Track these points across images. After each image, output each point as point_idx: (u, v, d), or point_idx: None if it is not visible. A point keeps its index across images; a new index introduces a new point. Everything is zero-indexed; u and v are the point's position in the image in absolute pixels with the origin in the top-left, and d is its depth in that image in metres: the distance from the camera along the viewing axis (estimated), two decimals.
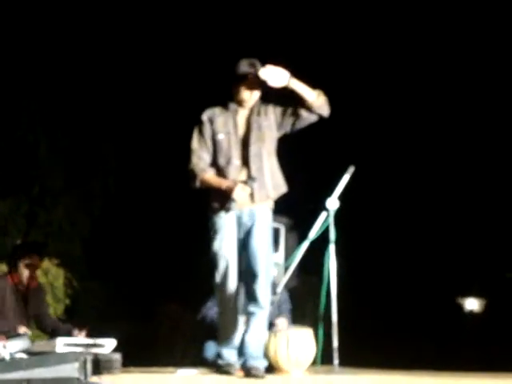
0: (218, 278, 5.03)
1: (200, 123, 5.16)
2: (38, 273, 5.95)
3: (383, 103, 13.49)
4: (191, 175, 5.08)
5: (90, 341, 5.46)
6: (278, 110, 5.12)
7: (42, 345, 5.27)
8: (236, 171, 5.03)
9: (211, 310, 5.83)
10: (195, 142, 5.15)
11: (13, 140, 10.55)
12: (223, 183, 4.97)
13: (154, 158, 12.18)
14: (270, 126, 5.11)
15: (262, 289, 5.00)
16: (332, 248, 5.83)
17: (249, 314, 5.04)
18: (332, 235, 5.84)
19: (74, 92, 10.95)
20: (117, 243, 11.54)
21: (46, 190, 10.72)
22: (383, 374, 5.62)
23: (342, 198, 5.90)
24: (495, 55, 12.91)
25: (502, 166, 13.20)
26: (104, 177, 11.28)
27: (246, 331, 5.04)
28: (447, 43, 13.15)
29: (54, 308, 8.27)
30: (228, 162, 5.05)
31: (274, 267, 7.00)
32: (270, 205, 5.15)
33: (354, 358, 6.05)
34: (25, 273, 5.84)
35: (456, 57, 13.25)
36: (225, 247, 5.02)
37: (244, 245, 5.05)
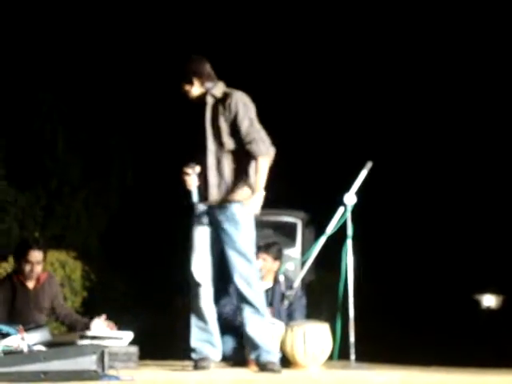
0: (190, 271, 5.10)
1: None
2: (39, 268, 5.88)
3: (403, 99, 13.44)
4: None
5: (108, 333, 5.48)
6: (233, 119, 5.06)
7: (60, 337, 5.30)
8: (197, 168, 5.09)
9: (226, 306, 5.85)
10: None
11: (30, 133, 10.59)
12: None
13: (171, 151, 12.18)
14: (227, 120, 5.08)
15: (249, 285, 5.00)
16: (349, 243, 5.83)
17: (242, 310, 5.04)
18: (349, 230, 5.83)
19: (91, 85, 10.97)
20: (135, 236, 11.56)
21: (63, 183, 10.75)
22: (400, 369, 5.61)
23: (359, 193, 5.90)
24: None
25: None
26: (122, 170, 11.30)
27: (244, 325, 5.03)
28: (465, 41, 13.09)
29: (72, 301, 8.31)
30: (193, 158, 5.13)
31: (290, 262, 7.04)
32: (241, 199, 5.07)
33: (370, 353, 6.04)
34: (26, 269, 5.83)
35: (475, 53, 13.18)
36: (199, 240, 5.08)
37: (224, 242, 5.05)
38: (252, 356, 5.04)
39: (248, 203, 4.97)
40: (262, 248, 6.10)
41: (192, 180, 5.03)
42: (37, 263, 5.84)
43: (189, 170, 5.03)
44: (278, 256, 6.25)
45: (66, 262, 8.47)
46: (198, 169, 5.06)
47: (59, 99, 10.73)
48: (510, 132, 13.13)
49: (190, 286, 5.16)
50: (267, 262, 6.13)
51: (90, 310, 8.38)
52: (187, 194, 5.07)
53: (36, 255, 5.84)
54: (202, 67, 5.16)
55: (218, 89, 5.13)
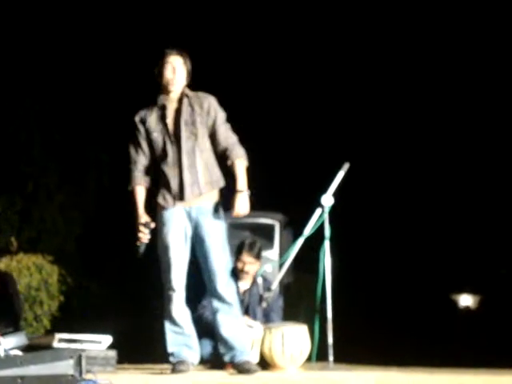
0: (163, 273, 5.12)
1: (134, 125, 5.18)
2: None
3: (379, 99, 13.49)
4: (129, 179, 5.19)
5: (86, 337, 5.45)
6: (212, 123, 5.08)
7: (37, 341, 5.26)
8: (169, 168, 5.05)
9: (206, 308, 5.84)
10: (131, 147, 5.21)
11: (6, 137, 10.52)
12: (138, 217, 5.13)
13: None
14: (203, 122, 5.07)
15: (223, 285, 5.00)
16: (327, 245, 5.84)
17: (216, 311, 5.04)
18: (327, 232, 5.84)
19: (67, 88, 10.91)
20: (111, 239, 11.51)
21: (39, 186, 10.69)
22: (378, 370, 5.63)
23: (336, 194, 5.91)
24: (487, 51, 12.94)
25: (498, 163, 13.21)
26: (98, 173, 11.26)
27: (218, 327, 5.03)
28: (440, 42, 13.16)
29: (49, 305, 8.25)
30: (162, 159, 5.08)
31: (268, 264, 7.03)
32: (215, 199, 5.09)
33: (348, 354, 6.05)
34: None
35: (449, 55, 13.26)
36: (171, 242, 5.06)
37: (197, 242, 5.04)
38: (227, 358, 5.03)
39: (234, 205, 4.98)
40: (245, 247, 6.08)
41: (145, 237, 4.99)
42: None
43: (143, 228, 5.02)
44: (259, 256, 6.26)
45: (43, 265, 8.41)
46: (152, 225, 5.06)
47: (35, 103, 10.67)
48: (487, 133, 13.24)
49: (163, 290, 5.14)
50: (250, 262, 6.11)
51: (67, 314, 8.33)
52: (137, 247, 5.06)
53: None
54: (190, 64, 5.18)
55: (188, 89, 5.15)
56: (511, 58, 12.13)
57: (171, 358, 5.08)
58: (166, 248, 5.08)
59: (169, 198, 5.06)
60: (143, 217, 5.07)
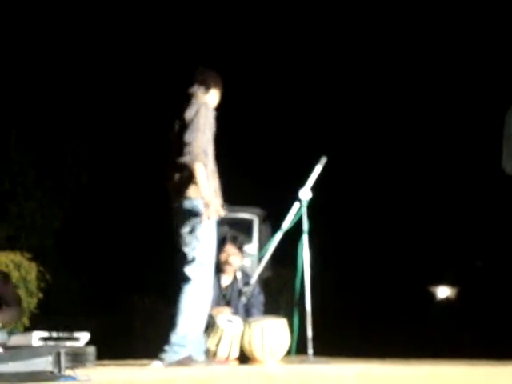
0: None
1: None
2: None
3: (356, 95, 13.54)
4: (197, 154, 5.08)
5: (65, 334, 5.43)
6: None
7: (16, 339, 5.24)
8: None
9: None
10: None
11: None
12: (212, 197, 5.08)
13: (124, 150, 12.15)
14: None
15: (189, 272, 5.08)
16: (305, 238, 5.85)
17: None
18: (305, 226, 5.86)
19: (44, 84, 10.86)
20: (89, 236, 11.48)
21: (17, 183, 10.63)
22: (358, 363, 5.66)
23: (314, 188, 5.92)
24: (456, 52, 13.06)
25: (473, 157, 13.31)
26: (76, 170, 11.21)
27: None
28: (415, 40, 13.24)
29: (28, 302, 8.21)
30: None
31: (247, 258, 7.04)
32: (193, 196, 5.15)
33: (328, 347, 6.08)
34: None
35: (424, 53, 13.35)
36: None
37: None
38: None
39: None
40: (228, 239, 6.09)
41: None
42: None
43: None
44: (242, 249, 6.28)
45: (21, 263, 8.36)
46: None
47: (12, 99, 10.60)
48: (462, 129, 13.35)
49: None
50: (233, 254, 6.12)
51: (46, 311, 8.30)
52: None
53: None
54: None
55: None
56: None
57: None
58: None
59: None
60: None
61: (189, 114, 5.14)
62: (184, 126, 5.13)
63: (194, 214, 5.09)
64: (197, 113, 5.12)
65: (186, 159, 5.03)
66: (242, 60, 12.29)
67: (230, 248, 6.10)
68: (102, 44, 11.71)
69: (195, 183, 5.06)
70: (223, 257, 6.03)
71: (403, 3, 12.73)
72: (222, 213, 5.11)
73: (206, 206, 5.00)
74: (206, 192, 5.00)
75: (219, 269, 5.89)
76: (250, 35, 12.45)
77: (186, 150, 5.04)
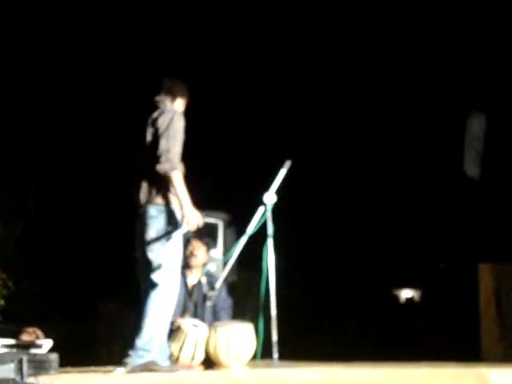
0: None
1: None
2: None
3: (320, 97, 13.59)
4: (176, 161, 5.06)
5: (27, 341, 5.36)
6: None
7: None
8: None
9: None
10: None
11: None
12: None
13: (88, 154, 12.08)
14: None
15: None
16: (270, 242, 5.85)
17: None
18: (270, 229, 5.86)
19: (4, 89, 10.76)
20: (51, 242, 11.37)
21: None
22: (323, 366, 5.67)
23: (279, 192, 5.93)
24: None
25: (434, 159, 13.43)
26: (38, 175, 11.10)
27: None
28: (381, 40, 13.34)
29: None
30: None
31: (212, 263, 7.03)
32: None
33: (293, 351, 6.08)
34: None
35: (386, 53, 13.44)
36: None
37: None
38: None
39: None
40: (194, 235, 6.08)
41: None
42: None
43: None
44: (208, 246, 6.29)
45: None
46: None
47: None
48: (419, 132, 13.47)
49: None
50: (198, 247, 6.12)
51: (8, 318, 8.19)
52: None
53: None
54: None
55: None
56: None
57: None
58: None
59: None
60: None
61: (162, 121, 5.12)
62: (157, 134, 5.11)
63: (160, 220, 5.07)
64: (171, 120, 5.11)
65: (163, 167, 5.00)
66: (207, 60, 12.29)
67: (194, 242, 6.12)
68: (59, 49, 11.64)
69: (164, 190, 5.05)
70: (188, 250, 6.02)
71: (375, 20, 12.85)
72: (202, 223, 5.11)
73: (188, 214, 4.98)
74: (186, 201, 5.00)
75: (185, 264, 5.87)
76: (217, 35, 12.45)
77: (164, 157, 5.00)
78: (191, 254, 6.08)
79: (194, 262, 6.11)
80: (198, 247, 6.15)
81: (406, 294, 15.83)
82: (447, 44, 12.56)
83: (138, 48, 12.03)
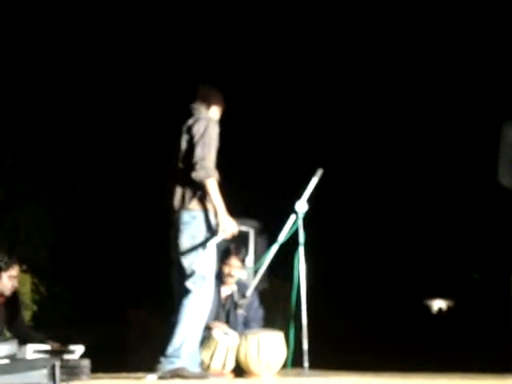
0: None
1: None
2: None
3: (352, 107, 13.57)
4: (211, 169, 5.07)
5: (59, 347, 5.40)
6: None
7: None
8: None
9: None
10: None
11: None
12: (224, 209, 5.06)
13: (120, 163, 12.16)
14: None
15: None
16: (301, 251, 5.83)
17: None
18: (301, 238, 5.84)
19: (39, 97, 10.85)
20: (84, 248, 11.45)
21: (12, 196, 10.60)
22: (353, 376, 5.63)
23: (310, 200, 5.91)
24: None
25: (472, 172, 13.31)
26: (71, 182, 11.19)
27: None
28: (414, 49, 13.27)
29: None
30: None
31: (243, 271, 7.03)
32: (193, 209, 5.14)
33: (324, 360, 6.05)
34: (8, 285, 5.72)
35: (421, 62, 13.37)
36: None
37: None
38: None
39: None
40: (232, 251, 6.07)
41: None
42: (18, 278, 5.85)
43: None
44: (244, 261, 6.28)
45: None
46: None
47: (6, 112, 10.59)
48: (453, 144, 13.37)
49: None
50: (236, 267, 6.11)
51: (40, 323, 8.26)
52: None
53: (18, 270, 5.84)
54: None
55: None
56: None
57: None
58: None
59: None
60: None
61: (197, 129, 5.13)
62: (192, 141, 5.12)
63: (194, 226, 5.07)
64: (206, 128, 5.12)
65: (199, 174, 5.01)
66: (241, 73, 12.31)
67: (234, 261, 6.08)
68: (95, 54, 11.73)
69: (197, 196, 5.06)
70: (226, 269, 6.01)
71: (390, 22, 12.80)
72: (236, 231, 5.11)
73: (223, 222, 4.99)
74: (221, 208, 5.00)
75: (221, 280, 5.87)
76: (249, 47, 12.49)
77: (199, 165, 5.02)
78: (229, 274, 6.06)
79: (230, 280, 6.11)
80: (237, 267, 6.12)
81: (438, 304, 15.70)
82: (484, 52, 12.47)
83: (176, 55, 12.10)
